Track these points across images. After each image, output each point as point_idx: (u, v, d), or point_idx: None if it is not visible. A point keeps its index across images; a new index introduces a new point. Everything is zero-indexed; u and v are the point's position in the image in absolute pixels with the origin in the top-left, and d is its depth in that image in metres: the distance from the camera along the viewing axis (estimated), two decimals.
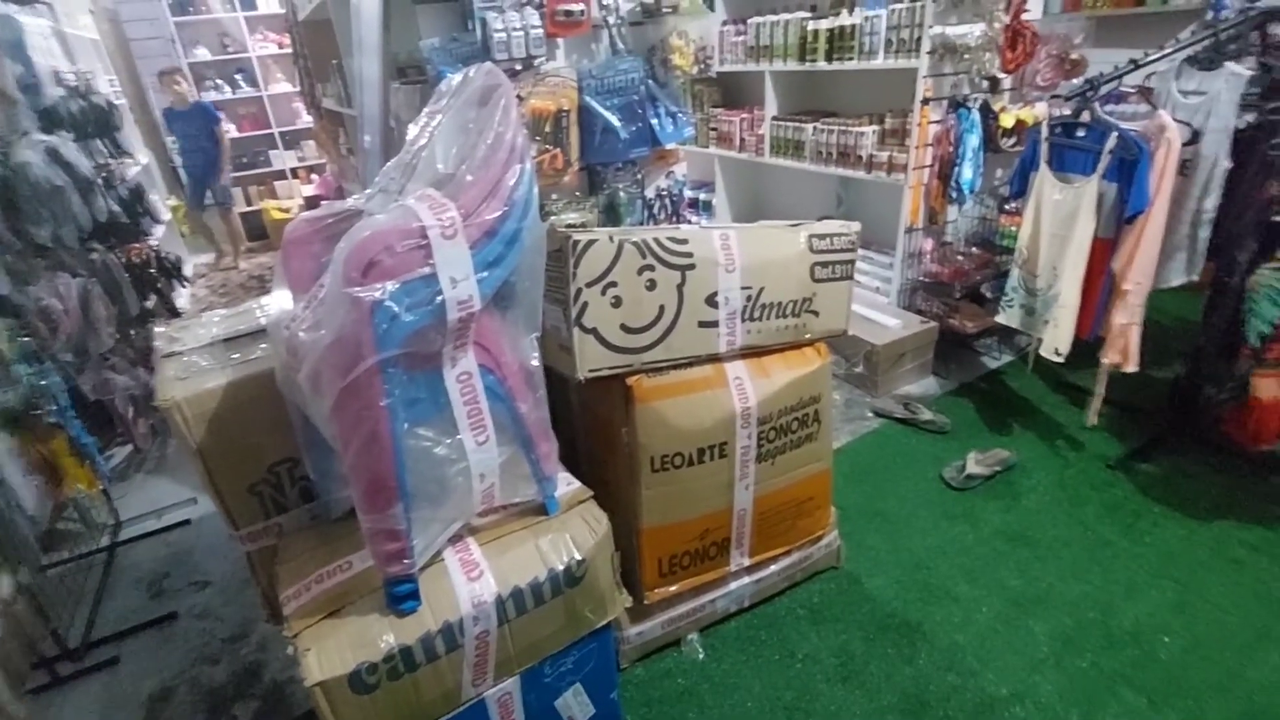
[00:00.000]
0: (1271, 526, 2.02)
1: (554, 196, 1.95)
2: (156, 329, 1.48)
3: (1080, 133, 2.24)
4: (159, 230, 3.97)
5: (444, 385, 1.08)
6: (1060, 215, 2.24)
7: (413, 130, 1.22)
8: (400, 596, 1.08)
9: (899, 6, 2.65)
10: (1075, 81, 2.53)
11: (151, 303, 3.20)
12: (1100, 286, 2.21)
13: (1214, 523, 2.06)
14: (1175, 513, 2.11)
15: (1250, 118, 2.02)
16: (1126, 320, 2.16)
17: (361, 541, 1.15)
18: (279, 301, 1.19)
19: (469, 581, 1.14)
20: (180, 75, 5.10)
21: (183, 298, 4.14)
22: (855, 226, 1.70)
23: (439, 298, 0.99)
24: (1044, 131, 2.31)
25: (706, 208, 4.07)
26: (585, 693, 1.34)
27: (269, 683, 1.79)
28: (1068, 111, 2.31)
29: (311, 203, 5.03)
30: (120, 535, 2.42)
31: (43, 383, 2.14)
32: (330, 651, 1.04)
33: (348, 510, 1.31)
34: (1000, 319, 2.52)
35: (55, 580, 2.09)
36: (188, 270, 4.85)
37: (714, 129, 3.79)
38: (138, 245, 3.25)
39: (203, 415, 1.21)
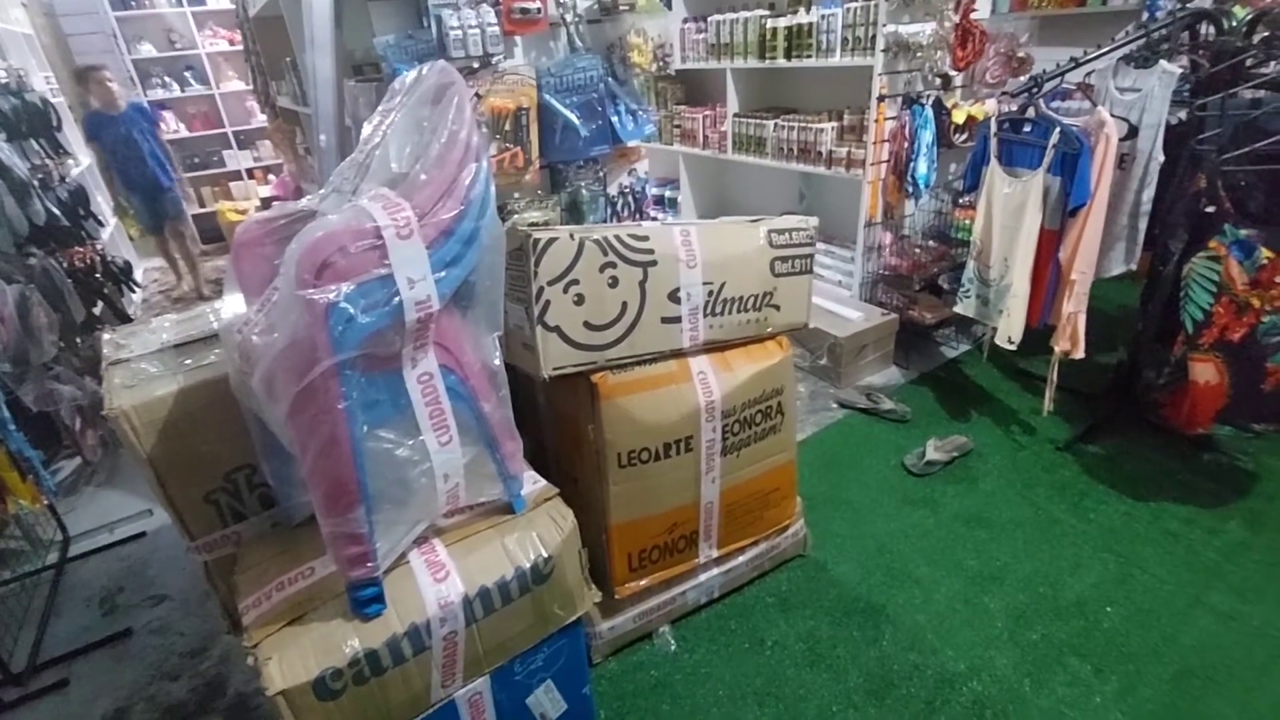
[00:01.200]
0: (1203, 502, 2.13)
1: (515, 195, 1.94)
2: (104, 336, 1.43)
3: (1026, 128, 2.31)
4: (105, 233, 3.83)
5: (404, 386, 1.07)
6: (1010, 208, 2.31)
7: (366, 129, 1.21)
8: (364, 600, 1.06)
9: (854, 5, 2.70)
10: (1022, 79, 2.61)
11: (99, 309, 3.09)
12: (1048, 276, 2.29)
13: (1152, 500, 2.16)
14: (1117, 491, 2.21)
15: (1182, 114, 2.12)
16: (1074, 308, 2.24)
17: (322, 547, 1.13)
18: (231, 305, 1.16)
19: (435, 583, 1.13)
20: (107, 73, 4.33)
21: (134, 304, 4.00)
22: (813, 221, 1.73)
23: (396, 298, 0.98)
24: (993, 127, 2.38)
25: (672, 205, 4.09)
26: (557, 689, 1.34)
27: (233, 695, 1.75)
28: (1014, 108, 2.38)
29: (268, 204, 4.87)
30: (69, 551, 2.34)
31: None
32: (293, 659, 1.02)
33: (309, 515, 1.28)
34: (958, 309, 2.60)
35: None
36: (138, 275, 4.67)
37: (678, 126, 3.81)
38: (81, 249, 3.13)
39: (153, 423, 1.18)
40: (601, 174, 2.04)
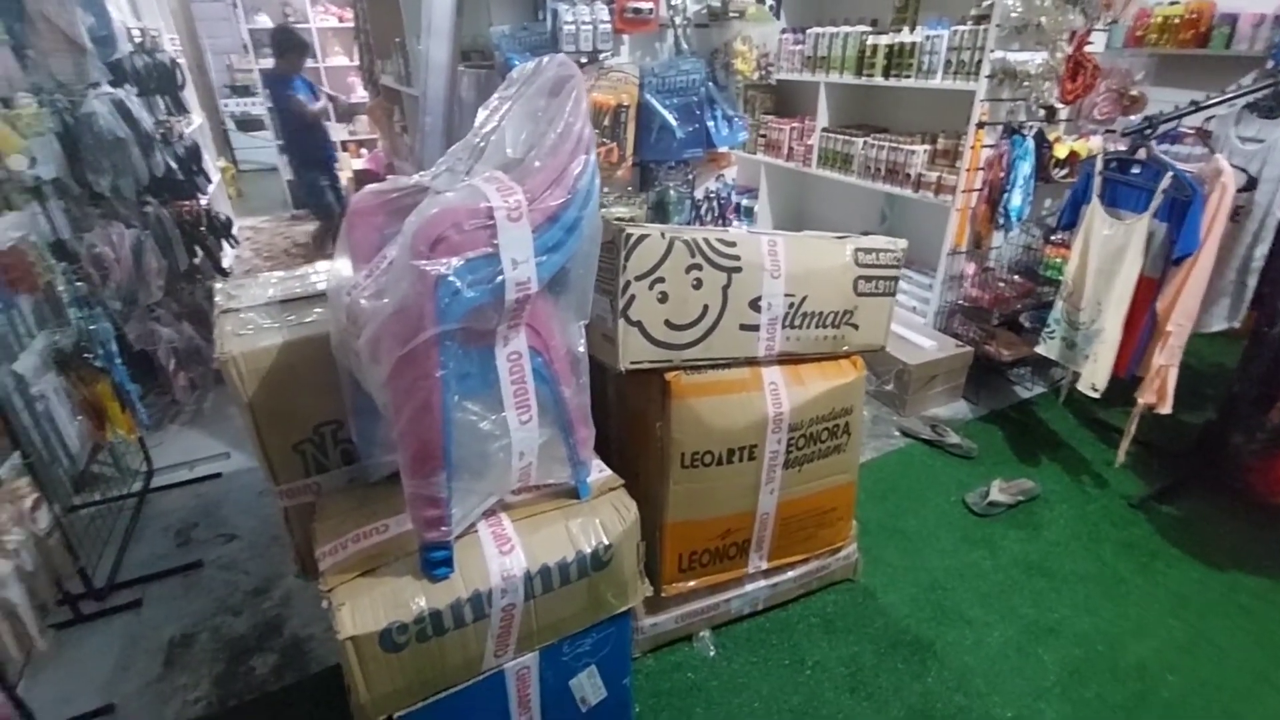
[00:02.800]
0: None
1: (605, 190, 1.97)
2: (216, 285, 1.53)
3: (1135, 169, 2.22)
4: (210, 189, 4.07)
5: (494, 363, 1.11)
6: (1109, 250, 2.22)
7: (482, 114, 1.25)
8: (435, 562, 1.11)
9: (962, 29, 2.64)
10: (1133, 118, 2.51)
11: (199, 260, 3.29)
12: (1142, 325, 2.19)
13: (1227, 569, 2.05)
14: (1191, 556, 2.10)
15: None
16: (1165, 361, 2.14)
17: (398, 506, 1.19)
18: (339, 268, 1.23)
19: (500, 555, 1.17)
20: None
21: (229, 258, 4.23)
22: (902, 244, 1.71)
23: (499, 277, 1.02)
24: (1099, 165, 2.29)
25: (748, 214, 4.07)
26: (599, 675, 1.36)
27: (289, 637, 1.84)
28: (1124, 147, 2.29)
29: (361, 177, 5.07)
30: (152, 483, 2.50)
31: (92, 327, 2.21)
32: (364, 608, 1.07)
33: (386, 475, 1.35)
34: (1040, 349, 2.51)
35: (85, 520, 2.15)
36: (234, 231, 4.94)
37: (763, 136, 3.79)
38: (189, 203, 3.34)
39: (257, 371, 1.25)
40: (691, 176, 2.06)
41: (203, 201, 3.60)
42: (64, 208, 2.34)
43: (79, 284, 2.24)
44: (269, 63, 6.16)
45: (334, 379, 1.27)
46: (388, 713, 1.12)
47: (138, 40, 3.36)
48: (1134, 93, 2.83)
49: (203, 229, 3.27)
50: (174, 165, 3.11)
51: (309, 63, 6.07)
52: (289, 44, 4.13)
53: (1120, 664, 1.75)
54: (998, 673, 1.72)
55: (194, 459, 2.61)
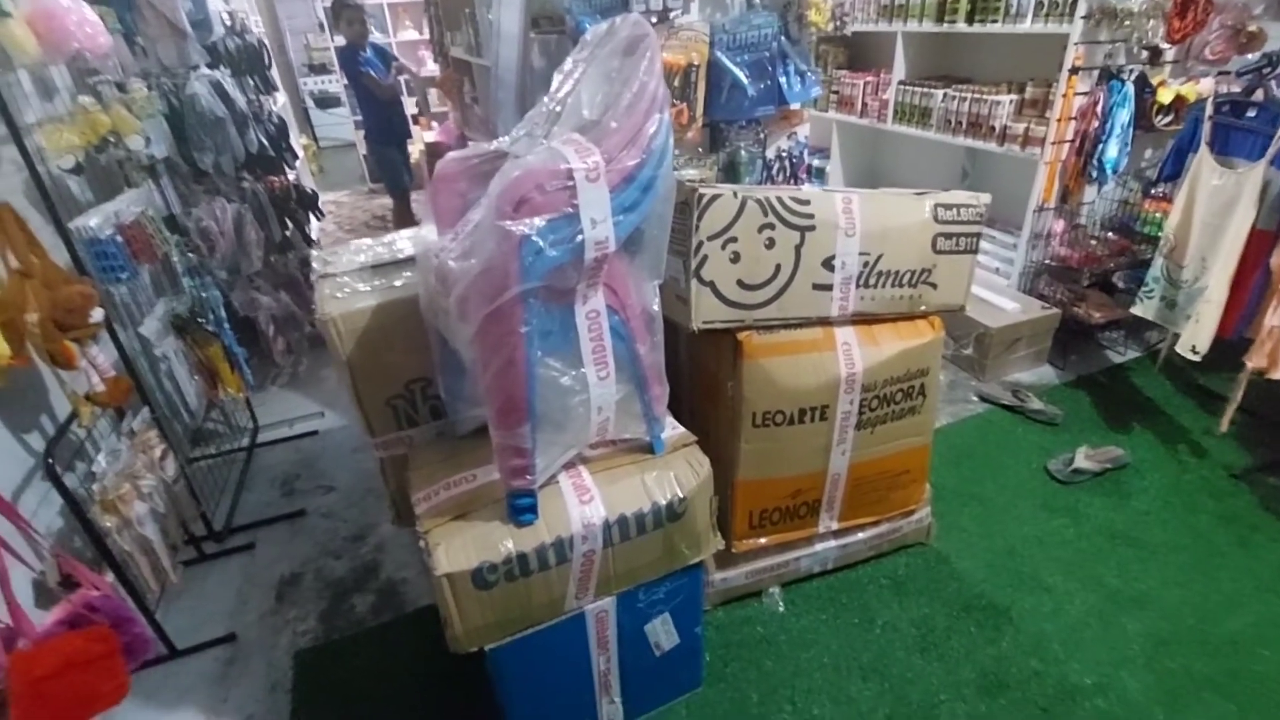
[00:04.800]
0: None
1: (676, 152, 1.97)
2: (312, 253, 1.63)
3: (1250, 113, 2.04)
4: (297, 165, 4.28)
5: (574, 320, 1.15)
6: (1217, 202, 2.06)
7: (557, 78, 1.28)
8: (520, 509, 1.18)
9: None
10: (1251, 56, 2.28)
11: (290, 232, 3.49)
12: (1253, 283, 2.03)
13: None
14: None
15: None
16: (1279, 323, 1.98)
17: (484, 457, 1.27)
18: (425, 233, 1.29)
19: (580, 504, 1.23)
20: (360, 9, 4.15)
21: (314, 231, 4.47)
22: (985, 198, 1.65)
23: (579, 237, 1.05)
24: (1208, 109, 2.11)
25: (819, 174, 3.96)
26: (672, 622, 1.42)
27: (384, 580, 1.99)
28: (1238, 89, 2.10)
29: (433, 149, 5.22)
30: (258, 438, 2.72)
31: (204, 295, 2.41)
32: (457, 549, 1.16)
33: (471, 429, 1.43)
34: (1136, 310, 2.36)
35: (204, 471, 2.38)
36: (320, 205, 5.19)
37: (835, 91, 3.66)
38: (279, 178, 3.53)
39: (354, 331, 1.35)
40: (762, 136, 2.03)
41: (291, 177, 3.80)
42: (174, 184, 2.54)
43: (190, 255, 2.43)
44: (341, 40, 6.39)
45: (423, 339, 1.35)
46: (480, 645, 1.21)
47: (228, 23, 3.54)
48: (1252, 28, 2.57)
49: (292, 203, 3.45)
50: (265, 142, 3.28)
51: (380, 36, 6.28)
52: (341, 11, 4.12)
53: (1211, 637, 1.68)
54: (1077, 640, 1.68)
55: (292, 418, 2.82)
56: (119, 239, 1.89)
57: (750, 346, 1.50)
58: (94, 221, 1.78)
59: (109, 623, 1.40)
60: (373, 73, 4.12)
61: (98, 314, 1.59)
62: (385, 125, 4.34)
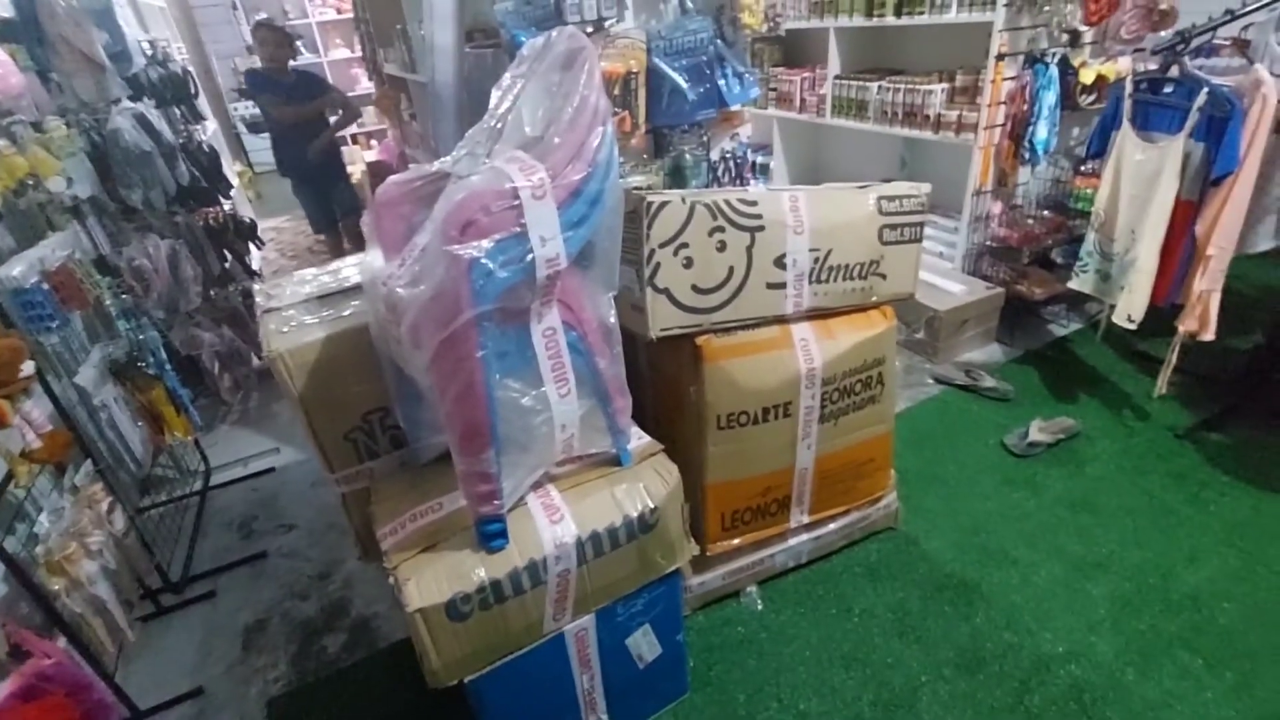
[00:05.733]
0: None
1: (620, 159, 1.97)
2: (255, 286, 1.58)
3: (1167, 89, 2.14)
4: (232, 194, 4.14)
5: (530, 340, 1.14)
6: (1142, 176, 2.16)
7: (495, 95, 1.26)
8: (490, 535, 1.16)
9: None
10: (1164, 34, 2.40)
11: (229, 264, 3.37)
12: (1180, 251, 2.13)
13: None
14: (1244, 484, 2.07)
15: None
16: (1207, 286, 2.08)
17: (449, 485, 1.24)
18: (371, 260, 1.26)
19: (551, 524, 1.21)
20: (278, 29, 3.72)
21: (256, 260, 4.33)
22: (925, 188, 1.68)
23: (529, 256, 1.04)
24: (1128, 87, 2.21)
25: (764, 171, 4.01)
26: (653, 633, 1.42)
27: (355, 617, 1.94)
28: (1154, 66, 2.20)
29: (375, 168, 5.11)
30: (211, 481, 2.61)
31: (141, 337, 2.31)
32: (428, 582, 1.13)
33: (434, 457, 1.40)
34: (1073, 285, 2.46)
35: (155, 520, 2.27)
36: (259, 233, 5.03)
37: (773, 89, 3.72)
38: (214, 209, 3.41)
39: (303, 366, 1.30)
40: (705, 138, 2.04)
41: (226, 207, 3.67)
42: (101, 224, 2.42)
43: (124, 296, 2.33)
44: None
45: (376, 368, 1.32)
46: (458, 677, 1.18)
47: (149, 53, 3.41)
48: (1164, 7, 2.69)
49: (230, 234, 3.34)
50: (197, 173, 3.17)
51: (311, 57, 6.11)
52: (255, 33, 3.63)
53: (1173, 595, 1.75)
54: (1047, 610, 1.73)
55: (246, 456, 2.72)
56: (45, 286, 1.80)
57: (710, 350, 1.50)
58: (17, 270, 1.68)
59: (65, 691, 1.33)
60: (270, 96, 3.63)
61: (28, 367, 1.51)
62: (292, 157, 3.77)
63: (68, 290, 1.87)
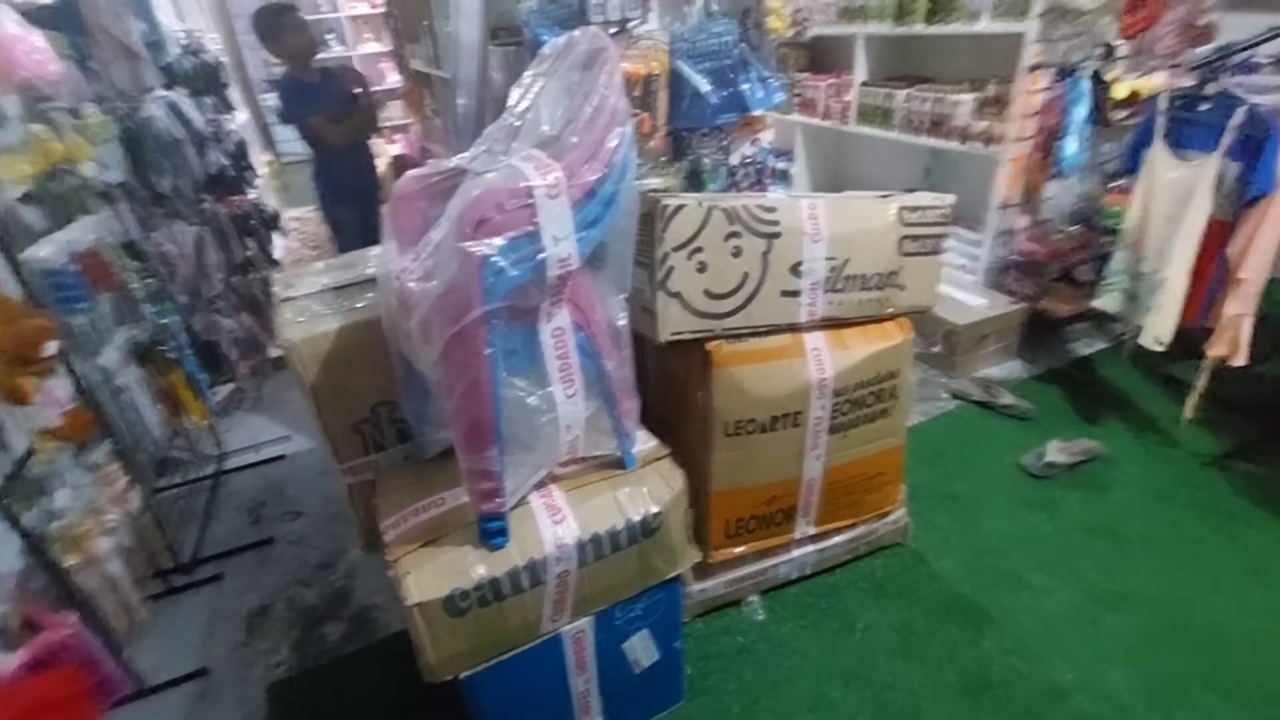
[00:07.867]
0: None
1: (638, 161, 1.96)
2: (274, 275, 1.60)
3: (1204, 106, 2.08)
4: (258, 183, 4.20)
5: (539, 339, 1.14)
6: (1175, 195, 2.10)
7: (515, 93, 1.26)
8: (491, 532, 1.16)
9: None
10: (1202, 50, 2.34)
11: (252, 252, 3.42)
12: (1212, 273, 2.08)
13: None
14: (1274, 516, 2.00)
15: None
16: (1239, 310, 2.02)
17: (452, 480, 1.24)
18: (386, 253, 1.27)
19: (553, 524, 1.21)
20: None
21: (278, 249, 4.39)
22: (949, 199, 1.66)
23: (541, 255, 1.04)
24: (1163, 104, 2.16)
25: (784, 177, 3.98)
26: (651, 639, 1.40)
27: (356, 607, 1.95)
28: (1191, 83, 2.14)
29: (398, 162, 5.14)
30: (224, 465, 2.65)
31: (164, 321, 2.34)
32: (427, 576, 1.13)
33: (438, 452, 1.40)
34: (1099, 303, 2.40)
35: (169, 501, 2.30)
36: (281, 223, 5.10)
37: (797, 95, 3.69)
38: (240, 198, 3.46)
39: (317, 356, 1.31)
40: (725, 143, 2.03)
41: (251, 196, 3.73)
42: (131, 209, 2.47)
43: (150, 281, 2.37)
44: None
45: (387, 360, 1.32)
46: (454, 673, 1.18)
47: (184, 43, 3.47)
48: (1203, 23, 2.64)
49: (253, 222, 3.39)
50: (225, 162, 3.22)
51: (340, 50, 6.11)
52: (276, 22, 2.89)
53: (1193, 628, 1.69)
54: (1058, 637, 1.69)
55: (259, 442, 2.75)
56: (74, 268, 1.83)
57: (719, 356, 1.49)
58: (47, 251, 1.72)
59: (76, 663, 1.35)
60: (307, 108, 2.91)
61: (52, 347, 1.54)
62: (341, 179, 3.10)
63: (97, 272, 1.91)
